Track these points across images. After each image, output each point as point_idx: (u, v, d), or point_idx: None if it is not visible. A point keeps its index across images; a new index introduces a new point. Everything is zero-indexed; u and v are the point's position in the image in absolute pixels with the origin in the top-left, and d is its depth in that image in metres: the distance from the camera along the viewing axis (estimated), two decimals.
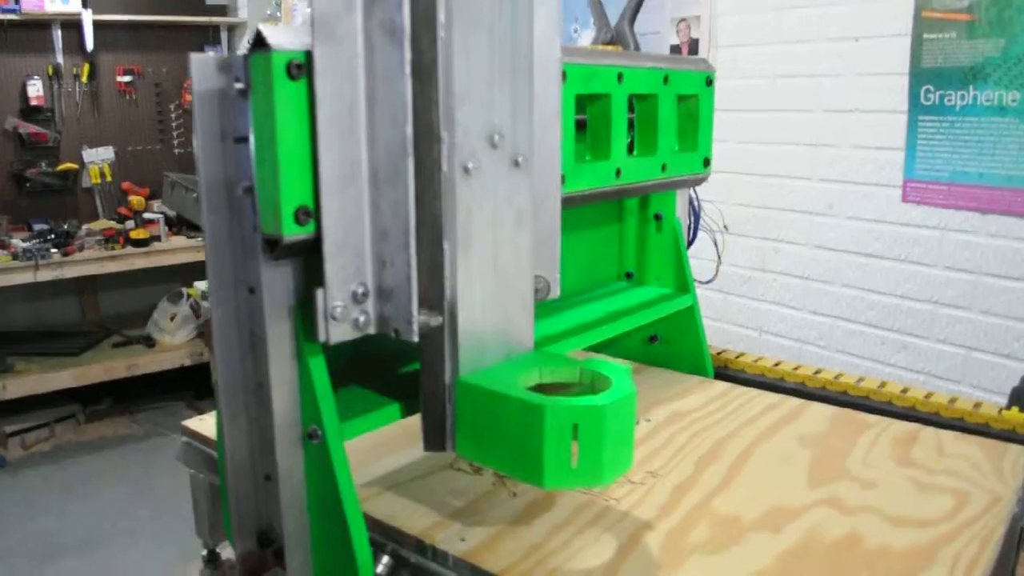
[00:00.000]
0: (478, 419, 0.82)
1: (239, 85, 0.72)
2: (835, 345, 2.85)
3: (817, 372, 1.39)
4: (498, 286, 0.86)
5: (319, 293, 0.76)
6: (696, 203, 1.43)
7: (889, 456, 1.11)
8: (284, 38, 0.68)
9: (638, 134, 1.21)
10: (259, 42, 0.67)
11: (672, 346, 1.40)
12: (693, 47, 3.07)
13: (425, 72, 0.76)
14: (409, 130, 0.75)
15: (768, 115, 2.93)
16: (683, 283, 1.36)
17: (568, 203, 1.06)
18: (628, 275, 1.44)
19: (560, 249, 0.95)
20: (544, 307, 1.09)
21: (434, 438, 0.87)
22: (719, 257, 1.50)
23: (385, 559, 0.87)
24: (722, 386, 1.36)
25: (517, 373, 0.85)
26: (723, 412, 1.26)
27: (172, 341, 4.08)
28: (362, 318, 0.79)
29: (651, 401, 1.28)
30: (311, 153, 0.72)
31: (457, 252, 0.81)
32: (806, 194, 2.86)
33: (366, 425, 0.85)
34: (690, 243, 1.45)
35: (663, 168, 1.21)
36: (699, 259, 1.50)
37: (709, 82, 1.27)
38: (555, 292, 0.95)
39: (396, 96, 0.74)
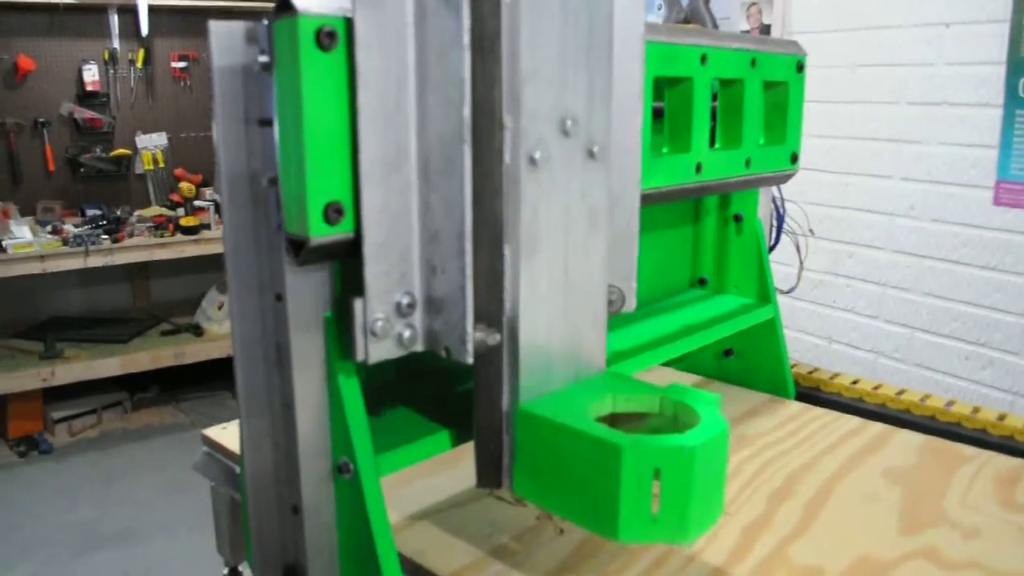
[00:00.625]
0: (540, 455, 0.70)
1: (264, 58, 0.60)
2: (913, 358, 2.65)
3: (900, 393, 1.24)
4: (567, 298, 0.74)
5: (357, 304, 0.64)
6: (780, 203, 1.28)
7: (992, 498, 0.96)
8: (315, 1, 0.56)
9: (720, 125, 1.07)
10: (284, 5, 0.55)
11: (749, 361, 1.25)
12: (764, 33, 2.88)
13: (487, 45, 0.63)
14: (467, 113, 0.63)
15: (846, 107, 2.74)
16: (764, 292, 1.21)
17: (644, 201, 0.92)
18: (701, 281, 1.30)
19: (637, 255, 0.82)
20: (612, 320, 0.96)
21: (488, 474, 0.75)
22: (801, 263, 1.35)
23: None
24: (796, 407, 1.22)
25: (587, 401, 0.72)
26: (798, 437, 1.12)
27: (220, 330, 4.04)
28: (407, 333, 0.67)
29: None
30: (349, 139, 0.61)
31: (520, 258, 0.69)
32: (886, 194, 2.66)
33: (408, 457, 0.73)
34: (772, 247, 1.31)
35: (747, 163, 1.07)
36: (776, 263, 1.35)
37: (800, 67, 1.12)
38: (631, 304, 0.82)
39: (451, 72, 0.62)
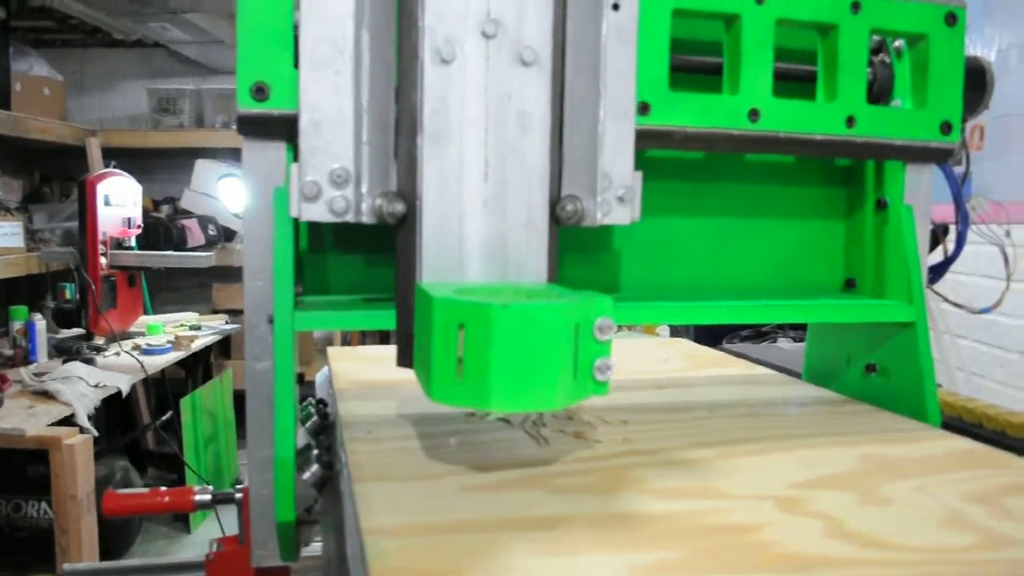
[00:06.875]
0: (419, 327, 0.75)
1: None
2: None
3: None
4: (489, 194, 0.78)
5: (293, 167, 0.78)
6: (958, 190, 1.05)
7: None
8: None
9: (821, 77, 0.97)
10: None
11: (891, 379, 1.04)
12: None
13: None
14: (394, 13, 0.74)
15: None
16: (908, 292, 1.01)
17: (664, 142, 0.90)
18: (849, 283, 1.12)
19: (621, 170, 0.81)
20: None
21: (404, 351, 0.81)
22: (1008, 277, 1.08)
23: (314, 467, 0.83)
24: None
25: (484, 289, 0.75)
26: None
27: None
28: (340, 203, 0.79)
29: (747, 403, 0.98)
30: (281, 33, 0.77)
31: (426, 144, 0.76)
32: None
33: (322, 320, 0.83)
34: (955, 254, 1.08)
35: (849, 123, 0.94)
36: (979, 276, 1.11)
37: (952, 20, 0.95)
38: (596, 218, 0.81)
39: None
